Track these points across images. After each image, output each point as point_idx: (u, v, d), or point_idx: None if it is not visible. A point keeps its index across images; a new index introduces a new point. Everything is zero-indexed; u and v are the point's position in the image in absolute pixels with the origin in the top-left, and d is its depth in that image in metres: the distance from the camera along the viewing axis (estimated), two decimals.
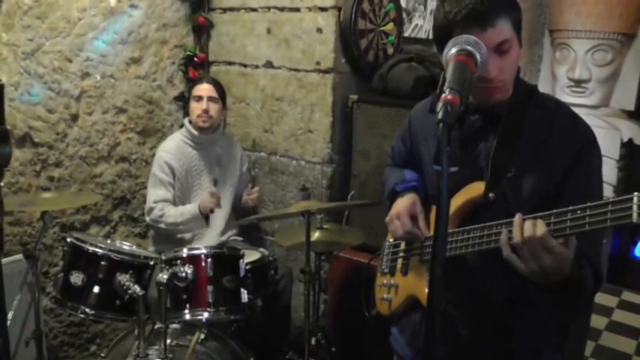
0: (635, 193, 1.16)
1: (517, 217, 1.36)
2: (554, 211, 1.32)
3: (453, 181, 1.06)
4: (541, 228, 1.30)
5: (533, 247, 1.31)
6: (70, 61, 3.20)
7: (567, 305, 1.49)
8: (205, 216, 3.17)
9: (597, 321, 4.16)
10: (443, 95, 1.13)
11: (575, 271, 1.36)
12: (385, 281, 1.92)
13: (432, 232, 1.75)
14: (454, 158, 1.05)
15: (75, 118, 3.28)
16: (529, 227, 1.32)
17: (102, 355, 2.78)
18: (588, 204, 1.24)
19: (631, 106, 5.25)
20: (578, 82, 5.42)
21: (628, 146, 5.26)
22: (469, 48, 1.28)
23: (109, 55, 3.37)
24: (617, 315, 4.32)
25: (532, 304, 1.60)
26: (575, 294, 1.43)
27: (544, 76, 5.72)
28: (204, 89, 3.30)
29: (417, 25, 3.98)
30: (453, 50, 1.29)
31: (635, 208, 1.15)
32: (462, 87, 1.16)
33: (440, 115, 1.09)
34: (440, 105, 1.11)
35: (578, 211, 1.26)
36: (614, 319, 4.27)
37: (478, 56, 1.28)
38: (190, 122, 3.35)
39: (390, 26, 3.47)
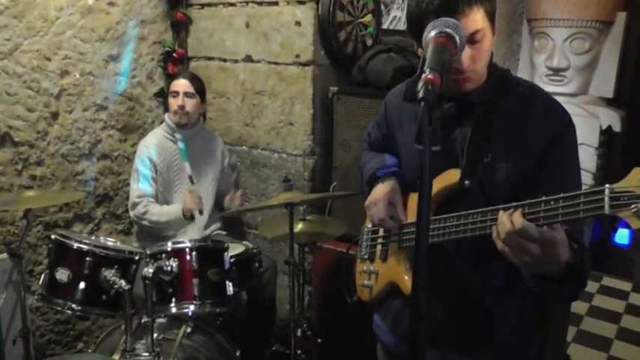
0: (607, 185, 1.18)
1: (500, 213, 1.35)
2: (528, 201, 1.32)
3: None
4: (518, 220, 1.28)
5: (516, 239, 1.28)
6: (49, 59, 3.20)
7: (572, 293, 1.48)
8: (190, 216, 3.19)
9: (578, 306, 4.21)
10: (423, 75, 1.12)
11: (577, 255, 1.35)
12: (365, 267, 1.94)
13: (410, 219, 1.78)
14: (435, 137, 1.06)
15: (55, 116, 3.28)
16: (506, 221, 1.31)
17: (89, 351, 2.79)
18: (561, 195, 1.25)
19: (609, 94, 5.29)
20: (556, 71, 5.45)
21: (607, 133, 5.31)
22: (448, 30, 1.27)
23: (87, 53, 3.37)
24: (598, 300, 4.37)
25: (511, 287, 1.62)
26: (580, 279, 1.41)
27: (523, 65, 5.75)
28: (181, 85, 3.31)
29: (395, 17, 3.99)
30: (433, 33, 1.28)
31: (606, 199, 1.17)
32: (441, 67, 1.16)
33: (421, 94, 1.09)
34: (420, 84, 1.10)
35: (552, 202, 1.27)
36: (595, 304, 4.32)
37: (457, 38, 1.28)
38: (170, 117, 3.36)
39: (368, 18, 3.49)
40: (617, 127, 5.27)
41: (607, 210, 1.17)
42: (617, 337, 3.86)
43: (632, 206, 1.15)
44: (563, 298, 1.63)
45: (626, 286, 4.58)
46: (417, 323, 1.12)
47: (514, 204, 1.34)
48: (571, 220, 1.25)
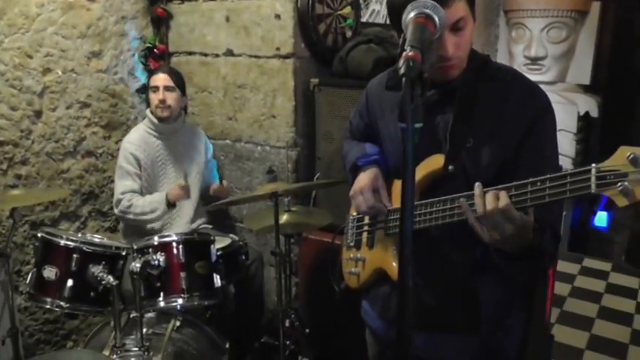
0: (593, 165, 1.21)
1: (477, 189, 1.40)
2: (515, 183, 1.35)
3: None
4: (504, 200, 1.34)
5: (496, 218, 1.35)
6: (31, 57, 3.19)
7: (533, 269, 1.55)
8: (173, 204, 3.21)
9: (561, 288, 4.28)
10: (404, 53, 1.11)
11: (537, 237, 1.41)
12: (352, 255, 1.95)
13: (395, 206, 1.80)
14: (418, 114, 1.05)
15: (39, 114, 3.27)
16: (492, 200, 1.35)
17: (79, 348, 2.79)
18: (548, 176, 1.28)
19: (586, 81, 5.39)
20: (534, 60, 5.53)
21: (585, 119, 5.40)
22: (427, 11, 1.27)
23: (69, 50, 3.37)
24: (579, 281, 4.45)
25: (496, 270, 1.66)
26: (539, 258, 1.49)
27: (501, 55, 5.82)
28: (160, 79, 3.31)
29: (374, 11, 4.01)
30: (412, 14, 1.28)
31: (593, 179, 1.20)
32: (422, 45, 1.15)
33: (402, 70, 1.07)
34: (402, 61, 1.09)
35: (538, 183, 1.30)
36: (577, 285, 4.40)
37: (436, 18, 1.27)
38: (152, 113, 3.36)
39: (347, 9, 3.51)
40: (594, 113, 5.36)
41: (594, 189, 1.20)
42: (599, 316, 3.94)
43: (619, 184, 1.18)
44: (526, 274, 1.69)
45: (605, 266, 4.68)
46: (403, 306, 1.13)
47: (501, 186, 1.38)
48: (558, 200, 1.28)
